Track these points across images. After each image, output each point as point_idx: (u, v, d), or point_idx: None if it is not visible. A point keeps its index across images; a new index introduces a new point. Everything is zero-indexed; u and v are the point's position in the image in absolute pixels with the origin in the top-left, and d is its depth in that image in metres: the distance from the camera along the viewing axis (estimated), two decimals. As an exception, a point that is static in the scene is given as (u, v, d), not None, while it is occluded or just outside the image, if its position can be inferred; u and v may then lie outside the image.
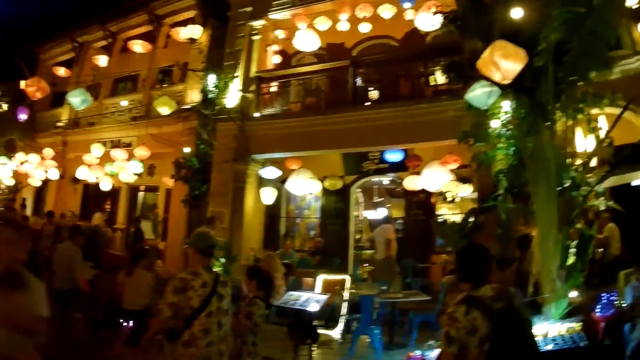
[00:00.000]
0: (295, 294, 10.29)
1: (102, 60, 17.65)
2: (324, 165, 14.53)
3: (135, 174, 14.50)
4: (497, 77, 6.27)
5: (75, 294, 8.45)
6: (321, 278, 10.80)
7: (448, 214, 13.88)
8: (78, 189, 20.21)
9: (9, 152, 21.65)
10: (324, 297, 9.96)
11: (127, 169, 14.22)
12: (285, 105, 13.98)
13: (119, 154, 14.56)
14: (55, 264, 8.46)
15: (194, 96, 15.12)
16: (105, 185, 15.35)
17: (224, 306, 4.53)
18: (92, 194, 19.68)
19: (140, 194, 19.49)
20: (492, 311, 3.13)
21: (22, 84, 22.24)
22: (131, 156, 14.62)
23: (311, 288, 10.88)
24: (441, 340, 3.33)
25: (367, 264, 14.48)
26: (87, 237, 10.33)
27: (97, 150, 15.31)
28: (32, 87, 12.02)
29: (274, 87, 14.40)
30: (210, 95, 14.08)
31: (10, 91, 23.63)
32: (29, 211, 20.61)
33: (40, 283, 3.76)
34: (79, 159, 18.98)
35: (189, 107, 14.82)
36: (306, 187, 13.40)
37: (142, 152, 14.02)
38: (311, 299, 10.02)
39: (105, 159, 15.60)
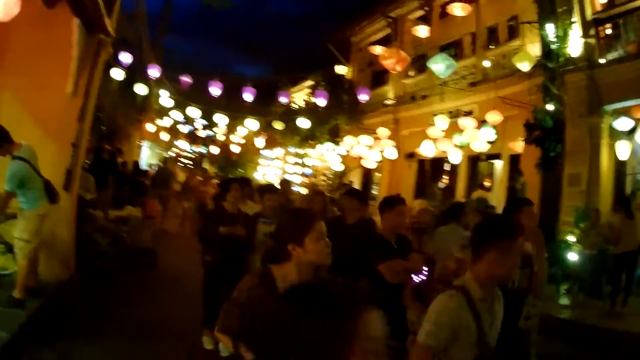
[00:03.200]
0: None
1: (422, 31, 18.29)
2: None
3: (489, 142, 14.69)
4: None
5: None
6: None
7: None
8: (412, 166, 21.32)
9: (334, 137, 23.59)
10: None
11: (479, 137, 14.50)
12: (628, 46, 13.29)
13: (468, 122, 15.00)
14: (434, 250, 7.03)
15: (532, 51, 14.87)
16: (455, 158, 15.92)
17: None
18: (428, 169, 20.50)
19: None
20: None
21: (338, 69, 24.43)
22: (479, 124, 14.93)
23: None
24: None
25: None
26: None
27: (442, 122, 16.01)
28: (391, 60, 12.79)
29: (608, 28, 13.83)
30: (553, 47, 13.75)
31: (325, 79, 25.61)
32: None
33: None
34: (413, 135, 20.20)
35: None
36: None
37: (494, 117, 14.37)
38: None
39: (448, 130, 16.12)
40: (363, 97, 18.52)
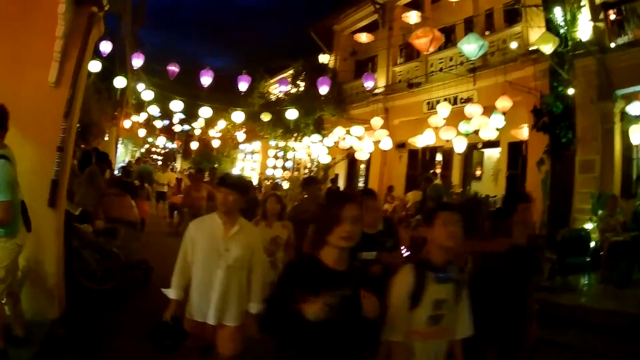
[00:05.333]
0: None
1: (413, 17, 17.37)
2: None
3: (497, 129, 13.85)
4: None
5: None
6: None
7: None
8: (403, 156, 20.41)
9: (318, 128, 22.60)
10: None
11: (489, 124, 13.64)
12: (637, 30, 12.67)
13: (475, 109, 14.12)
14: None
15: (536, 35, 14.10)
16: (460, 147, 14.99)
17: None
18: (420, 160, 19.68)
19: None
20: None
21: (321, 58, 23.38)
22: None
23: None
24: None
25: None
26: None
27: (444, 109, 15.09)
28: (425, 39, 11.93)
29: (616, 13, 13.18)
30: (562, 31, 13.01)
31: (307, 69, 24.51)
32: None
33: None
34: (403, 124, 19.26)
35: (536, 47, 13.71)
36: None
37: (504, 103, 13.49)
38: None
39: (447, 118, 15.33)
40: (368, 83, 17.61)
